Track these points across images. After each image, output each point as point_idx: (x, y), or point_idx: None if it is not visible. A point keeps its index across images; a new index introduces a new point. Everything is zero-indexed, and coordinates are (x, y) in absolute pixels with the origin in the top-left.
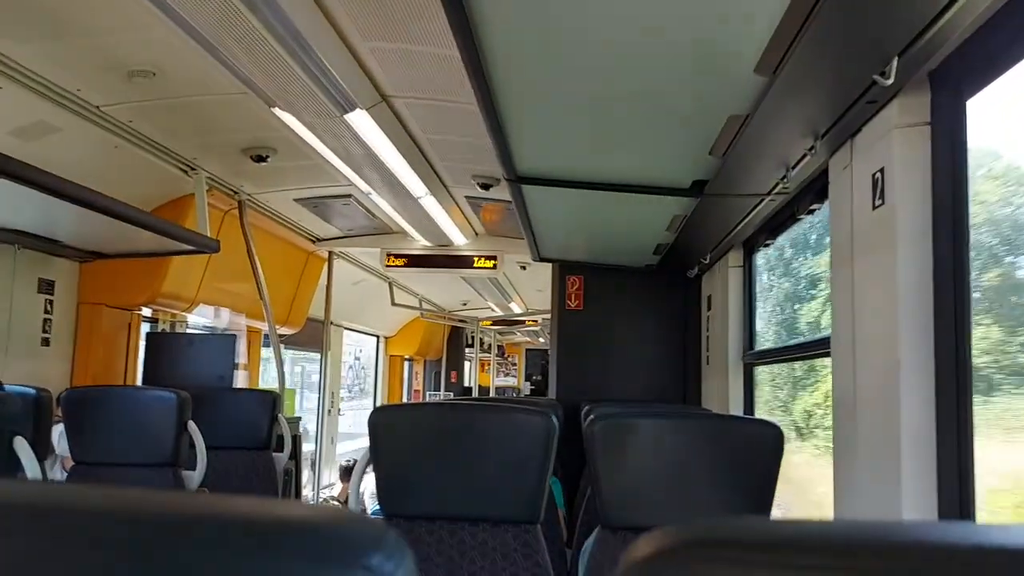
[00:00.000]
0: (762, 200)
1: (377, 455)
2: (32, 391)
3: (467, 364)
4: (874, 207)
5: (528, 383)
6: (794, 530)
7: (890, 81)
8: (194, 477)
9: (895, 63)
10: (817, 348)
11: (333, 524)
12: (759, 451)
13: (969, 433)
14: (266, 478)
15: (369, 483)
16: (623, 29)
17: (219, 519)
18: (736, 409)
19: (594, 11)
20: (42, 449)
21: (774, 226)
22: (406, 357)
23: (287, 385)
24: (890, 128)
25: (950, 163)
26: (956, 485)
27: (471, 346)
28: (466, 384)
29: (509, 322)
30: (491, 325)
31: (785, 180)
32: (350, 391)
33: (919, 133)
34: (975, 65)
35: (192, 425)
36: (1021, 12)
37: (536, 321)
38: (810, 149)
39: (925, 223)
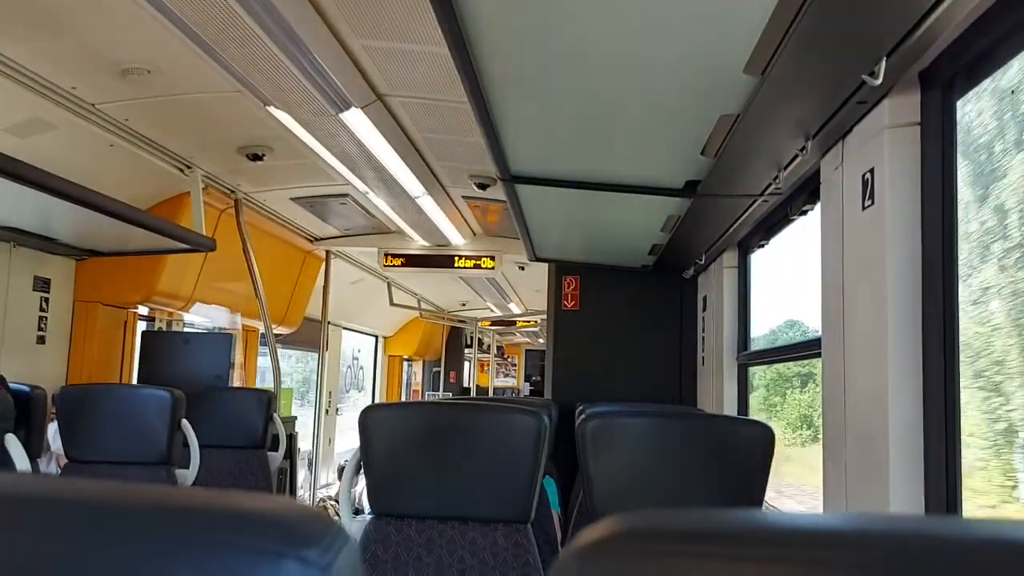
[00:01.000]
0: (755, 200)
1: (367, 454)
2: (27, 388)
3: (466, 364)
4: (864, 207)
5: (527, 383)
6: (736, 521)
7: (879, 81)
8: (188, 475)
9: (884, 63)
10: (809, 349)
11: (272, 514)
12: (750, 451)
13: (957, 432)
14: (260, 477)
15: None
16: (613, 28)
17: (154, 507)
18: (730, 409)
19: (583, 11)
20: (35, 447)
21: (768, 227)
22: (405, 357)
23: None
24: (880, 128)
25: (939, 163)
26: (943, 484)
27: (470, 346)
28: (465, 385)
29: (508, 322)
30: (490, 325)
31: (777, 180)
32: (347, 392)
33: (909, 133)
34: (965, 64)
35: (186, 423)
36: (1010, 11)
37: (535, 322)
38: (801, 149)
39: (914, 223)
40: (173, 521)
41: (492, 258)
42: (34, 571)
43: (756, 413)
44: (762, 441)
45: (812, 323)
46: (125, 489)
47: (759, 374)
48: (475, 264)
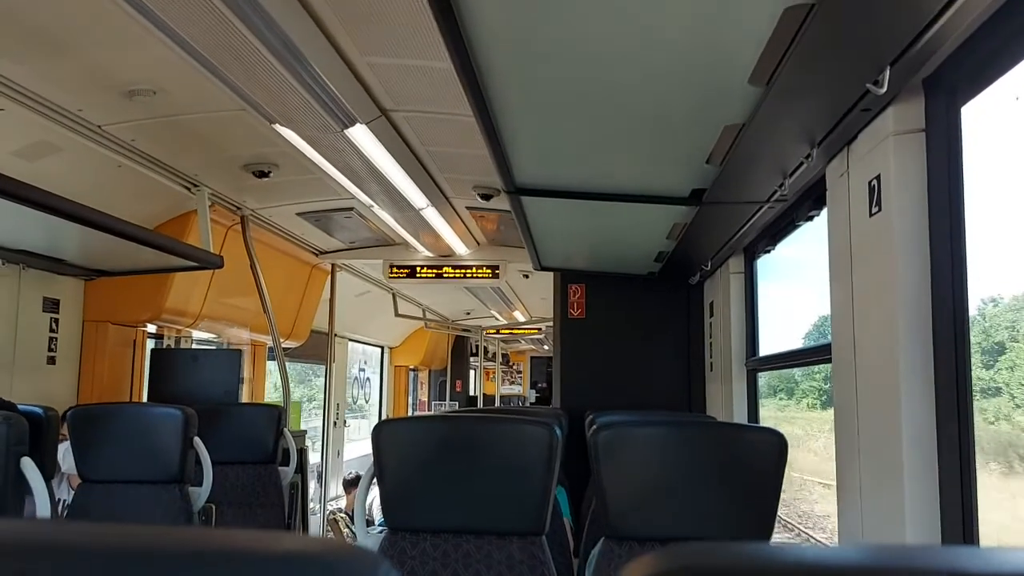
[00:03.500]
0: (760, 208)
1: (381, 469)
2: (38, 410)
3: (472, 373)
4: (871, 214)
5: (533, 391)
6: (779, 558)
7: (883, 90)
8: (200, 493)
9: (888, 72)
10: (819, 354)
11: (317, 553)
12: (763, 459)
13: (970, 437)
14: (272, 492)
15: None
16: (617, 41)
17: (197, 551)
18: (740, 415)
19: (588, 25)
20: (49, 468)
21: (774, 232)
22: (411, 367)
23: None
24: (885, 135)
25: (945, 169)
26: (958, 491)
27: (476, 355)
28: (471, 393)
29: (513, 330)
30: (495, 334)
31: (783, 188)
32: (354, 401)
33: (914, 140)
34: (969, 71)
35: (198, 441)
36: (1013, 17)
37: (540, 329)
38: (806, 157)
39: (922, 230)
40: (218, 565)
41: (496, 268)
42: None
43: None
44: (774, 448)
45: None
46: (166, 532)
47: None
48: (479, 274)
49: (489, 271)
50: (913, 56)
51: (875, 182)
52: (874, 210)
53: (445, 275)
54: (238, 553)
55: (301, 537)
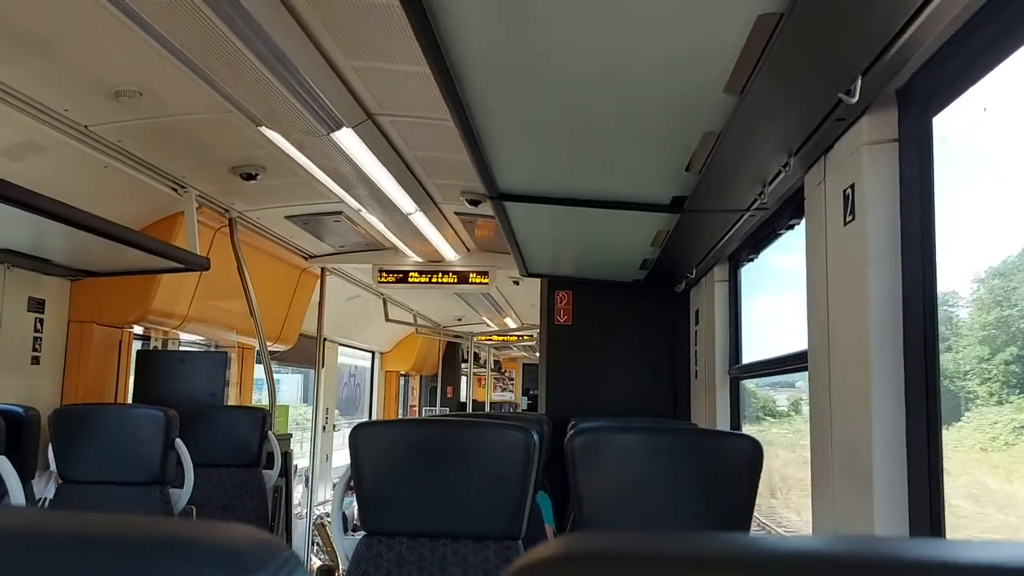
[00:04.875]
0: (742, 216)
1: (358, 472)
2: (20, 410)
3: (463, 379)
4: (845, 223)
5: (525, 397)
6: (681, 544)
7: (855, 100)
8: (181, 495)
9: (860, 81)
10: (797, 362)
11: (222, 542)
12: (739, 465)
13: (938, 444)
14: (256, 495)
15: None
16: (594, 48)
17: (105, 538)
18: (723, 423)
19: (566, 32)
20: (29, 468)
21: (757, 241)
22: (402, 373)
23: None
24: (859, 145)
25: (917, 179)
26: (926, 496)
27: (467, 361)
28: (462, 399)
29: (504, 337)
30: (487, 340)
31: (762, 196)
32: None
33: (887, 150)
34: (940, 82)
35: (179, 443)
36: (983, 29)
37: (532, 336)
38: (784, 165)
39: (894, 239)
40: (122, 553)
41: (486, 273)
42: None
43: None
44: (750, 455)
45: None
46: (80, 519)
47: None
48: (469, 279)
49: (479, 277)
50: (885, 66)
51: (849, 191)
52: (848, 219)
53: (434, 280)
54: (140, 539)
55: (204, 524)
